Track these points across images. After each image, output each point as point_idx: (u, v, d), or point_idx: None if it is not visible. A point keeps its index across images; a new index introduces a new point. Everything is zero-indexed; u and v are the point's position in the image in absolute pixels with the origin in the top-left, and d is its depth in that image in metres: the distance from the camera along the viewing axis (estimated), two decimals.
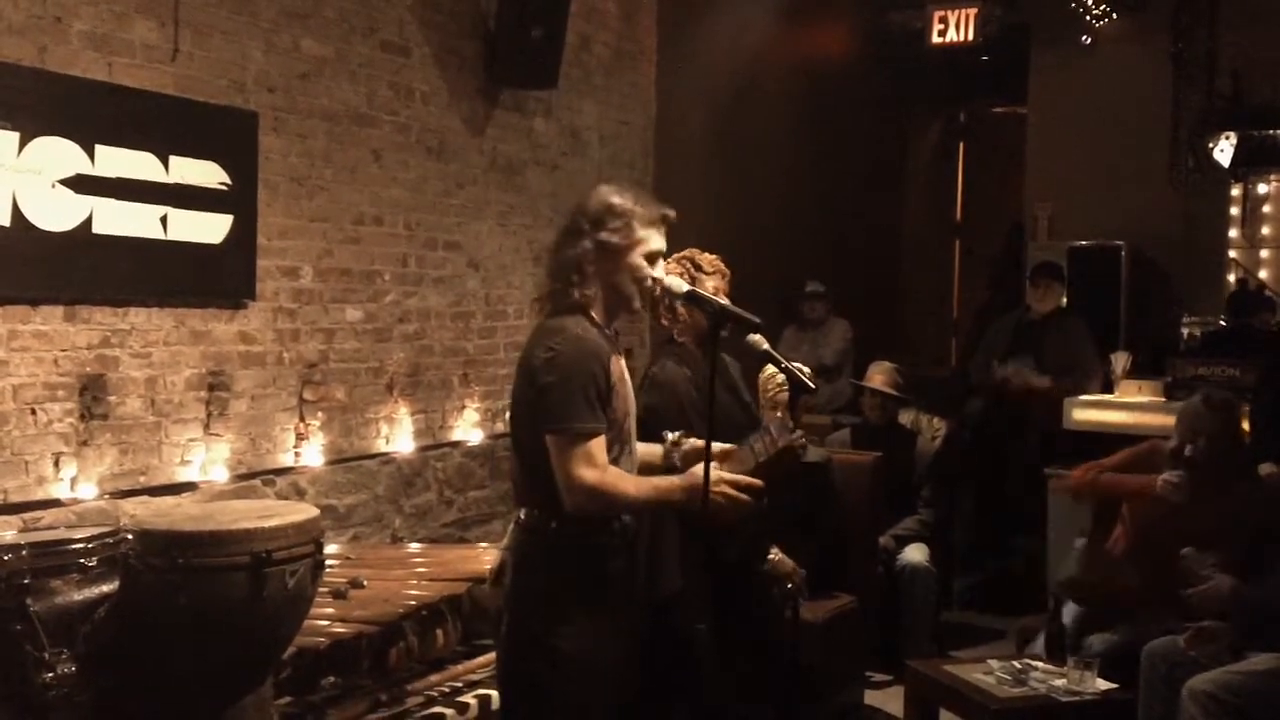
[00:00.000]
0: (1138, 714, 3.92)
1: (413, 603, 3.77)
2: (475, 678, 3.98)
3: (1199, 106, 7.83)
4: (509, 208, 6.04)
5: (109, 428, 4.16)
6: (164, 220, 4.25)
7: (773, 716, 3.77)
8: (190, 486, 4.39)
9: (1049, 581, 5.43)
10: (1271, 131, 7.61)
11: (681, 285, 2.94)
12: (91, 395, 4.09)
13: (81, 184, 3.99)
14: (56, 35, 3.97)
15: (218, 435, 4.55)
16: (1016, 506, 6.42)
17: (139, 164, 4.16)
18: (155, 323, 4.31)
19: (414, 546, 4.95)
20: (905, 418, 6.18)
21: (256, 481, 4.64)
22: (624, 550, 2.75)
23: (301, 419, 4.90)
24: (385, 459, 5.29)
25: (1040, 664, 4.07)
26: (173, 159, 4.26)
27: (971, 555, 6.74)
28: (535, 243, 6.10)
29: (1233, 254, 8.03)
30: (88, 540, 3.22)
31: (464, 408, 5.79)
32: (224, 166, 4.45)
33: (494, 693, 3.87)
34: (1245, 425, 4.54)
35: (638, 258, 2.74)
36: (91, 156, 4.01)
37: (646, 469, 2.89)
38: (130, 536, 3.15)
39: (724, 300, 3.14)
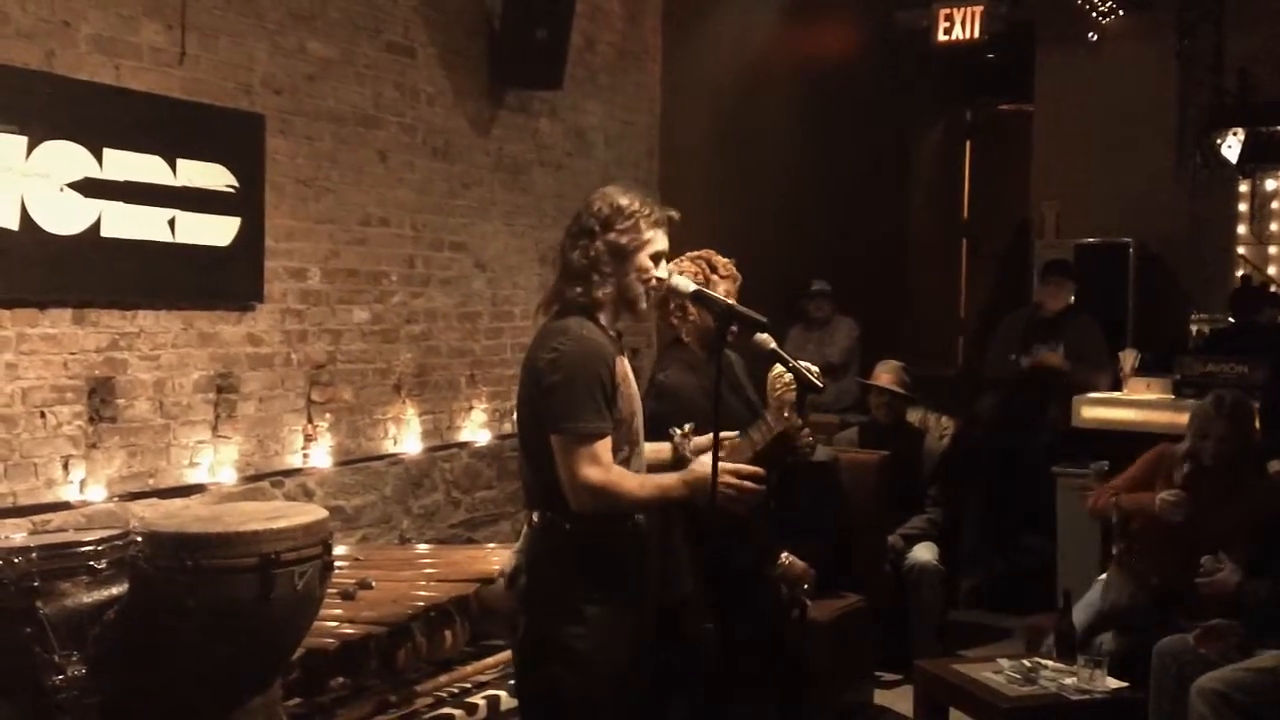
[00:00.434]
0: (1148, 713, 3.92)
1: (421, 604, 3.77)
2: (484, 678, 3.99)
3: (1206, 103, 7.79)
4: (515, 208, 6.04)
5: (118, 430, 4.16)
6: (172, 223, 4.27)
7: (775, 716, 3.75)
8: (199, 488, 4.40)
9: (1059, 581, 5.43)
10: (1279, 127, 7.58)
11: (688, 285, 2.94)
12: (100, 398, 4.10)
13: (90, 187, 4.00)
14: (64, 39, 3.98)
15: (226, 437, 4.56)
16: (1025, 505, 6.40)
17: (147, 167, 4.17)
18: (163, 325, 4.32)
19: (422, 547, 4.96)
20: (913, 416, 6.17)
21: (265, 483, 4.65)
22: (638, 551, 2.75)
23: (309, 420, 4.91)
24: (393, 460, 5.30)
25: (1050, 663, 4.07)
26: (180, 162, 4.28)
27: (979, 554, 6.73)
28: (541, 243, 6.10)
29: (1241, 250, 7.99)
30: (97, 543, 3.22)
31: (471, 408, 5.80)
32: (231, 169, 4.46)
33: (503, 693, 3.88)
34: (1258, 424, 4.54)
35: (645, 258, 2.74)
36: (99, 160, 4.02)
37: (655, 468, 2.87)
38: (139, 539, 3.17)
39: (731, 301, 3.13)
